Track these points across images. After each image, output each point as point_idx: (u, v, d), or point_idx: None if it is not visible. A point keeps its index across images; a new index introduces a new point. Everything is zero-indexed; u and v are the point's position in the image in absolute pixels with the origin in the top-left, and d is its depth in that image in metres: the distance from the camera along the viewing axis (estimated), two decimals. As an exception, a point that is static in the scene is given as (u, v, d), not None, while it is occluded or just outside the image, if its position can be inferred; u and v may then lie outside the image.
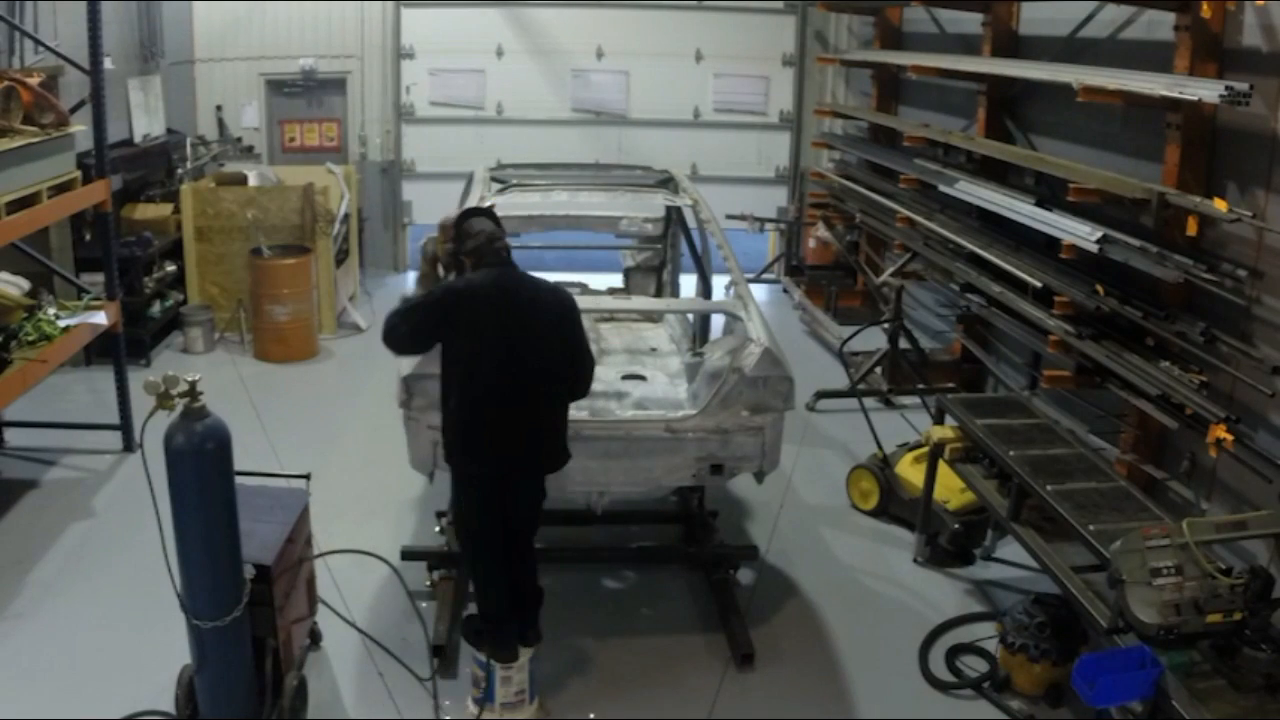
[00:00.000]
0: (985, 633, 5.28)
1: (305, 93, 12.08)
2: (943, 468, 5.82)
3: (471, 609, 4.99)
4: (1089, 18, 7.26)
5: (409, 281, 11.96)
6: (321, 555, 5.58)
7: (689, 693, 4.89)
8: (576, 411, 5.36)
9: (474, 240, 4.50)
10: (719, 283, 6.61)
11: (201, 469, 3.79)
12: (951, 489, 5.95)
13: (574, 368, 4.59)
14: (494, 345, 4.35)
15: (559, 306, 4.53)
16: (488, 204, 6.29)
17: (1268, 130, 5.52)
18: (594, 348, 6.43)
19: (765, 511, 6.63)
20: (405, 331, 4.47)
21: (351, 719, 4.66)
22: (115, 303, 7.05)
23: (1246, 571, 3.94)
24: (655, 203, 7.29)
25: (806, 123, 12.28)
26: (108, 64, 7.33)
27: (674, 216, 7.30)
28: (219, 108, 11.75)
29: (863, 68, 11.24)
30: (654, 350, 6.78)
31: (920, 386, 8.29)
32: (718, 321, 6.77)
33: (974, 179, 7.81)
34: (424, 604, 5.38)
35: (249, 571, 4.05)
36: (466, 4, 11.94)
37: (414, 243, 11.84)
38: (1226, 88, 5.15)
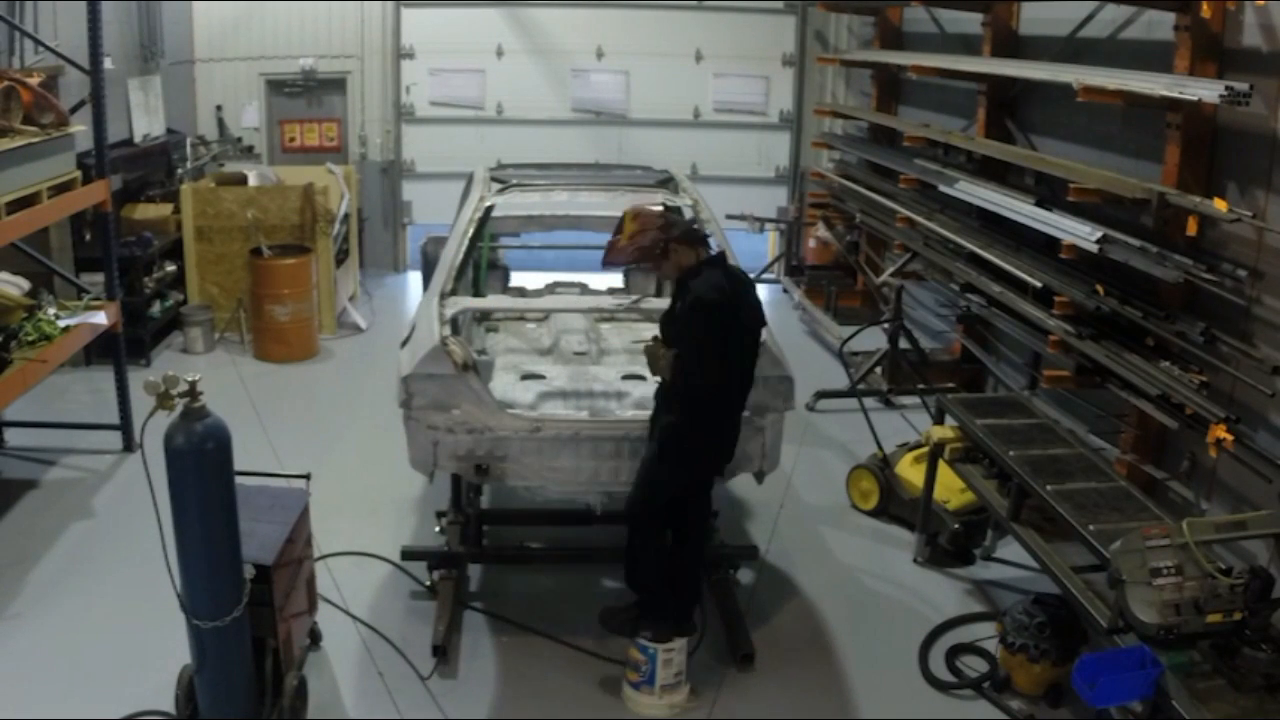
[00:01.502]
0: (985, 633, 5.28)
1: (305, 93, 12.08)
2: (943, 468, 5.82)
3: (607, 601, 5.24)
4: (1089, 18, 7.26)
5: (409, 281, 11.98)
6: (323, 558, 5.60)
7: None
8: (577, 411, 5.39)
9: (679, 226, 4.72)
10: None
11: (201, 469, 3.79)
12: (951, 489, 5.95)
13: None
14: (739, 342, 4.57)
15: (757, 295, 4.73)
16: (487, 204, 6.30)
17: (1268, 130, 5.52)
18: (594, 348, 6.48)
19: (765, 511, 6.63)
20: (713, 370, 4.47)
21: (351, 719, 4.66)
22: (115, 303, 7.05)
23: (1246, 571, 3.94)
24: (655, 203, 7.26)
25: (806, 123, 12.27)
26: (108, 64, 7.32)
27: (674, 217, 7.29)
28: (219, 108, 11.76)
29: (863, 68, 11.24)
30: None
31: (920, 386, 8.29)
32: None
33: (974, 179, 7.80)
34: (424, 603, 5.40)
35: (249, 571, 4.05)
36: (466, 4, 11.94)
37: (414, 243, 11.83)
38: (1226, 88, 5.15)
